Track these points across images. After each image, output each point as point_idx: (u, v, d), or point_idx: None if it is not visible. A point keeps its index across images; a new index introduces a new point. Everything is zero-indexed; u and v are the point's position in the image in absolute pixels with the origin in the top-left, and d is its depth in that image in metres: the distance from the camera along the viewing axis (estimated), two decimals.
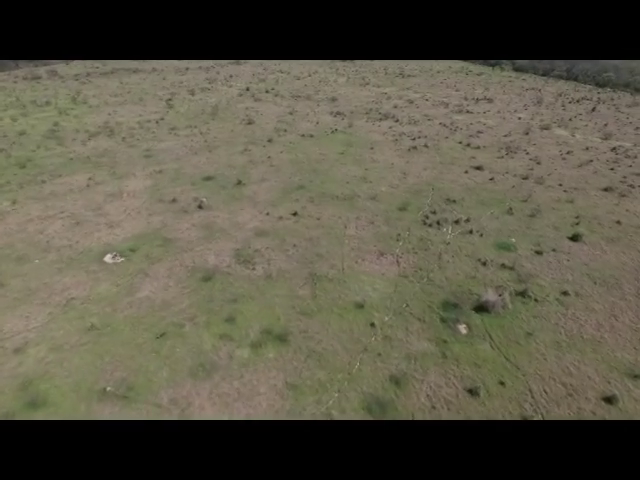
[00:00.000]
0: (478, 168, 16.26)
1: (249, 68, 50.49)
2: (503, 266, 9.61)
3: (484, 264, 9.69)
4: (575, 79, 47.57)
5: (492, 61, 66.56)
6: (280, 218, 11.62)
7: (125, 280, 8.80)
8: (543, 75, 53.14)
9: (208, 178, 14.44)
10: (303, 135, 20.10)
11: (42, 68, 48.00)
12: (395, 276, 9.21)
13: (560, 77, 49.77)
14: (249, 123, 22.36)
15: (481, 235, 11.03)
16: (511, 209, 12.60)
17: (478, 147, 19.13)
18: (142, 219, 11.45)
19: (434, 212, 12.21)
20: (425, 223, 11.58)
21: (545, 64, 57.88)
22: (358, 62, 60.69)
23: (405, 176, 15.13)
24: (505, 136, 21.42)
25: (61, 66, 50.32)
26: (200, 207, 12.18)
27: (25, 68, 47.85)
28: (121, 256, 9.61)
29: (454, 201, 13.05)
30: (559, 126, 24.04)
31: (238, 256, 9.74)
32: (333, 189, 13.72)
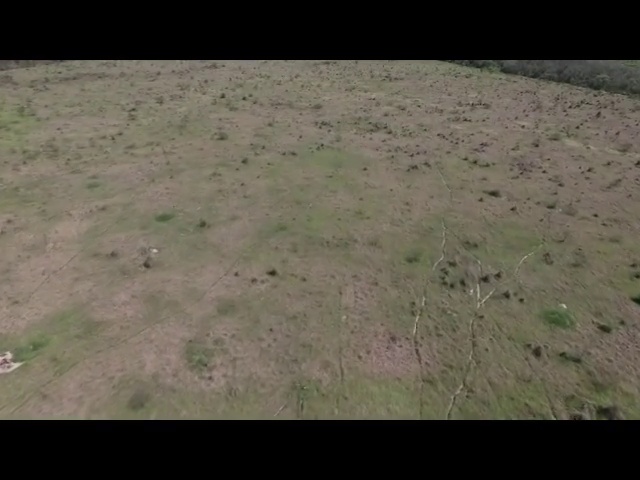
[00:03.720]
0: (494, 194, 13.67)
1: (226, 72, 47.32)
2: (564, 357, 6.90)
3: (537, 353, 6.97)
4: (568, 81, 45.78)
5: (480, 62, 64.85)
6: (253, 281, 8.70)
7: (8, 411, 5.75)
8: (533, 77, 51.37)
9: (164, 217, 11.41)
10: (284, 153, 17.18)
11: None
12: (417, 381, 6.40)
13: (551, 79, 47.99)
14: (221, 138, 19.33)
15: (521, 300, 8.33)
16: (548, 255, 9.96)
17: (487, 165, 16.56)
18: (64, 288, 8.38)
19: (453, 263, 9.49)
20: (444, 282, 8.84)
21: (534, 65, 56.29)
22: (342, 64, 58.05)
23: (409, 208, 12.39)
24: (513, 149, 18.94)
25: (19, 71, 46.25)
26: (147, 265, 9.17)
27: None
28: (16, 359, 6.56)
29: (475, 245, 10.35)
30: (568, 136, 21.74)
31: (190, 354, 6.78)
32: (322, 230, 10.86)
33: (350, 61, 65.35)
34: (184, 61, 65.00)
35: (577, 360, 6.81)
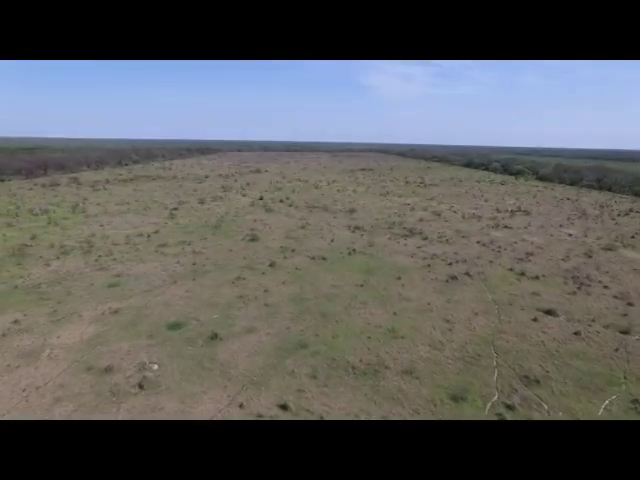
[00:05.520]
0: (549, 312, 11.83)
1: (268, 176, 50.75)
2: None
3: None
4: (609, 189, 44.94)
5: (514, 170, 66.34)
6: (258, 417, 7.12)
7: None
8: (571, 185, 51.11)
9: (175, 326, 10.43)
10: (313, 258, 16.51)
11: (67, 175, 49.16)
12: None
13: (591, 187, 47.42)
14: (253, 240, 19.21)
15: None
16: (637, 402, 7.78)
17: (536, 277, 14.91)
18: (39, 410, 7.15)
19: (511, 407, 7.51)
20: None
21: (571, 174, 56.57)
22: (377, 171, 61.18)
23: (450, 327, 10.75)
24: (564, 260, 17.30)
25: (88, 174, 51.77)
26: (141, 386, 7.90)
27: (51, 176, 49.02)
28: None
29: (537, 381, 8.37)
30: (624, 246, 19.92)
31: None
32: (348, 351, 9.36)
33: (385, 168, 69.26)
34: (232, 166, 71.43)
35: None
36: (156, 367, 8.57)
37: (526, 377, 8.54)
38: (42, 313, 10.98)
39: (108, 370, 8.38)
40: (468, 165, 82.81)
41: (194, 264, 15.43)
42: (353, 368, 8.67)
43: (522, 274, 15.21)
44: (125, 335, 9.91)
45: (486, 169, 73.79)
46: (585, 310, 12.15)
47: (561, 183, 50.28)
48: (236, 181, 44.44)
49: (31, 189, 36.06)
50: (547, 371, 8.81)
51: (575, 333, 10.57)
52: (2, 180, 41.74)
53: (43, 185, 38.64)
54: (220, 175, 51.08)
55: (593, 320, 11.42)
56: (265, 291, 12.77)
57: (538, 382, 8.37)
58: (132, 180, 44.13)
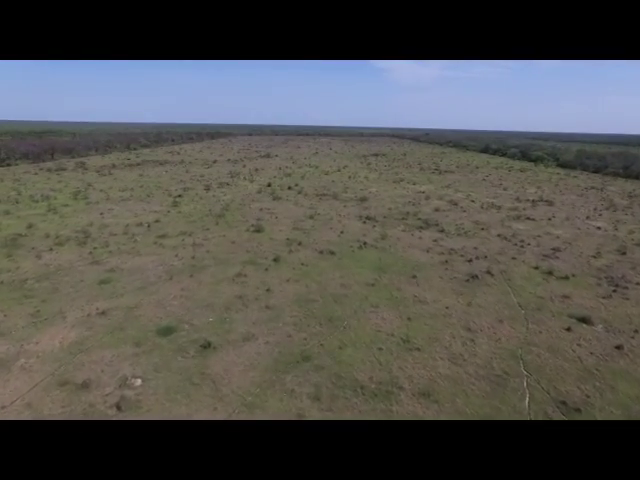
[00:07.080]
0: (584, 320, 10.53)
1: (277, 161, 49.34)
2: None
3: None
4: (637, 177, 42.58)
5: (533, 156, 63.73)
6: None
7: None
8: (595, 172, 48.73)
9: (166, 331, 9.44)
10: (321, 252, 15.33)
11: (74, 160, 48.54)
12: None
13: (617, 175, 45.07)
14: (257, 231, 18.09)
15: None
16: None
17: (566, 277, 13.53)
18: None
19: None
20: None
21: (595, 161, 54.04)
22: (391, 157, 59.21)
23: (472, 336, 9.55)
24: (594, 257, 15.82)
25: (95, 158, 51.05)
26: (119, 407, 6.92)
27: (58, 161, 48.50)
28: None
29: (577, 409, 7.16)
30: None
31: None
32: (357, 365, 8.25)
33: (399, 154, 67.08)
34: (241, 150, 70.02)
35: None
36: (139, 382, 7.60)
37: (563, 403, 7.33)
38: (23, 313, 10.10)
39: (85, 386, 7.43)
40: (484, 151, 80.00)
41: (193, 258, 14.43)
42: (362, 388, 7.57)
43: (549, 273, 13.84)
44: (110, 341, 8.96)
45: (503, 155, 71.07)
46: (625, 318, 10.80)
47: (584, 170, 47.82)
48: (244, 166, 43.18)
49: (36, 174, 35.41)
50: (587, 396, 7.59)
51: (617, 347, 9.27)
52: (9, 164, 41.25)
53: (49, 170, 38.00)
54: (229, 160, 49.86)
55: (636, 331, 10.09)
56: (267, 290, 11.69)
57: (578, 410, 7.16)
58: (139, 165, 43.23)
